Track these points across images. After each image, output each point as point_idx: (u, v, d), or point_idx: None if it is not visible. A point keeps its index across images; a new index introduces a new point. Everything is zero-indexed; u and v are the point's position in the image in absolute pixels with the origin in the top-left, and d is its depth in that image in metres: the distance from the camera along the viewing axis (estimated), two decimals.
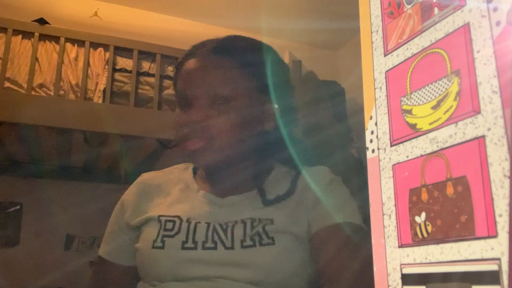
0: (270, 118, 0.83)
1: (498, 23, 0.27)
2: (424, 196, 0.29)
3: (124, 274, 0.83)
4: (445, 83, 0.29)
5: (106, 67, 2.27)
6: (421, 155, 0.30)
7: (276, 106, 0.83)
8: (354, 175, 2.32)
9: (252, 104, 0.80)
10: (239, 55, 0.81)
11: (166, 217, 0.78)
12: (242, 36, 0.87)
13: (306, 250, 0.76)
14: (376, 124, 0.34)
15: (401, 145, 0.32)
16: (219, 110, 0.77)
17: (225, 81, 0.78)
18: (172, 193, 0.84)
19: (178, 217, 0.78)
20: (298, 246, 0.74)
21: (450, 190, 0.28)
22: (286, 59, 2.58)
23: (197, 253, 0.72)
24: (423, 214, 0.29)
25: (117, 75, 2.29)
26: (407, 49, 0.33)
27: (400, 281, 0.30)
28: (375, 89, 0.35)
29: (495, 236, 0.25)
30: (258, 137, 0.82)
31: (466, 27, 0.29)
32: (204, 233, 0.74)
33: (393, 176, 0.32)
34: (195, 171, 0.90)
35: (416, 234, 0.30)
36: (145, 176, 0.90)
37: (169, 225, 0.76)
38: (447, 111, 0.29)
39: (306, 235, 0.76)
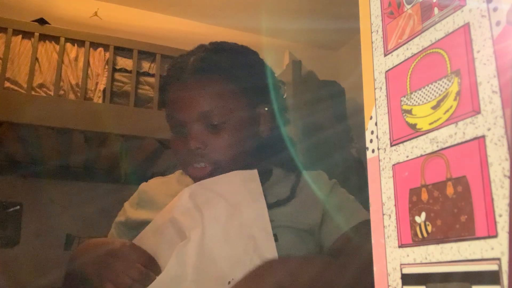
0: (265, 123, 0.83)
1: (498, 23, 0.27)
2: (424, 196, 0.29)
3: None
4: (445, 83, 0.29)
5: (106, 67, 2.27)
6: (421, 155, 0.30)
7: (266, 109, 0.83)
8: (354, 175, 2.32)
9: (247, 116, 0.80)
10: (226, 69, 0.79)
11: None
12: (224, 44, 0.85)
13: (310, 243, 0.77)
14: (376, 124, 0.34)
15: (401, 145, 0.32)
16: (215, 133, 0.77)
17: (217, 102, 0.77)
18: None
19: None
20: (301, 241, 0.76)
21: (450, 190, 0.28)
22: (286, 59, 2.58)
23: None
24: (423, 214, 0.29)
25: (117, 75, 2.29)
26: (407, 49, 0.33)
27: (400, 281, 0.30)
28: (375, 89, 0.35)
29: (495, 236, 0.25)
30: (256, 143, 0.82)
31: (466, 27, 0.29)
32: None
33: (393, 176, 0.32)
34: None
35: (416, 234, 0.30)
36: (145, 186, 0.90)
37: None
38: (447, 111, 0.29)
39: (310, 231, 0.78)
